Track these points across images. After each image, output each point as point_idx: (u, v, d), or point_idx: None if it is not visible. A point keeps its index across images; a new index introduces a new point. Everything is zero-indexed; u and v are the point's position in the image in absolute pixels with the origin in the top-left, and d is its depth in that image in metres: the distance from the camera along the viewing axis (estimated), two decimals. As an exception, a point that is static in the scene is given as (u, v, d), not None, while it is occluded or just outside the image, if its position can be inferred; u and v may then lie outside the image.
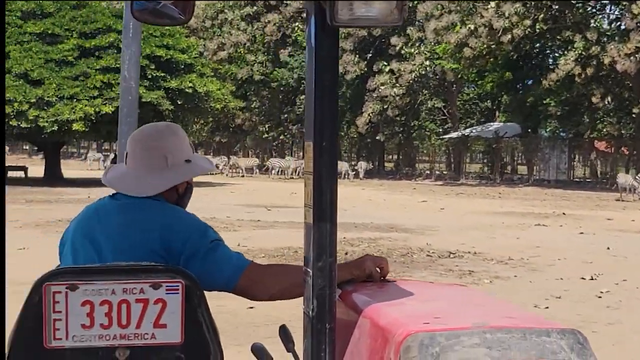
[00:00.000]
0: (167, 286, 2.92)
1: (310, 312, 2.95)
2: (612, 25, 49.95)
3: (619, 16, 48.76)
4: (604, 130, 54.75)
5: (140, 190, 3.47)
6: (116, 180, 3.55)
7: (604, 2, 50.68)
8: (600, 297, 13.03)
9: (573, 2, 48.15)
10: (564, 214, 29.88)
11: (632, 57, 43.75)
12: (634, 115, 50.52)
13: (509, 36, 46.66)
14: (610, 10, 51.58)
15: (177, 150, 3.56)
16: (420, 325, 2.90)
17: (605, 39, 45.83)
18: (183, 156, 3.56)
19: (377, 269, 3.59)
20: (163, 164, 3.49)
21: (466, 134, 61.29)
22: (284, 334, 3.46)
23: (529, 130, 59.48)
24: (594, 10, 50.88)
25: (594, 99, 48.34)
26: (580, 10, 49.42)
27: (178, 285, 2.93)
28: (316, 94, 2.89)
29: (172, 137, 3.58)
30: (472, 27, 46.73)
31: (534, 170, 57.41)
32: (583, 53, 45.88)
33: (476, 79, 64.03)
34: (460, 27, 47.28)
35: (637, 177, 40.82)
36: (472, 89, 71.16)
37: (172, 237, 3.33)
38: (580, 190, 47.58)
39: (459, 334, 2.84)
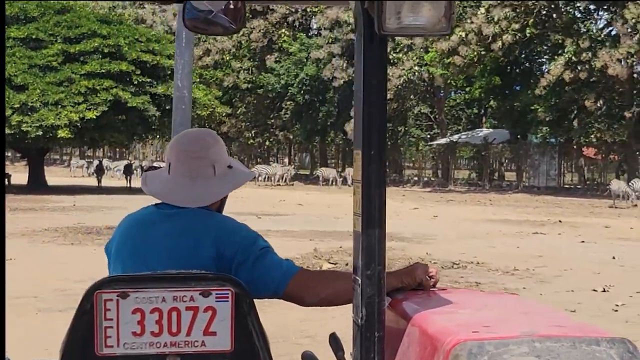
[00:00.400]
0: (216, 294, 2.95)
1: (359, 321, 2.96)
2: (603, 30, 49.63)
3: (609, 21, 48.46)
4: (593, 136, 54.41)
5: (192, 202, 3.42)
6: (162, 191, 3.48)
7: (592, 6, 50.29)
8: (616, 310, 12.54)
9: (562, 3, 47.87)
10: (560, 221, 29.42)
11: (623, 62, 43.53)
12: (624, 122, 50.18)
13: (499, 43, 46.29)
14: (599, 15, 51.31)
15: (222, 157, 3.53)
16: (469, 333, 2.90)
17: (595, 44, 45.50)
18: (226, 163, 3.54)
19: (428, 277, 3.59)
20: (210, 173, 3.46)
21: (454, 140, 60.86)
22: (334, 341, 3.46)
23: (518, 136, 59.13)
24: (583, 14, 50.62)
25: (587, 103, 47.99)
26: (570, 15, 49.15)
27: (228, 293, 2.96)
28: (364, 103, 2.92)
29: (216, 145, 3.53)
30: (463, 34, 46.32)
31: (523, 177, 56.95)
32: (573, 58, 45.57)
33: (464, 85, 63.65)
34: (451, 34, 46.78)
35: (630, 184, 40.50)
36: (459, 95, 70.76)
37: (225, 245, 3.32)
38: (571, 197, 47.21)
39: (507, 343, 2.84)
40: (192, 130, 3.73)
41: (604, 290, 14.32)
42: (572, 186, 55.82)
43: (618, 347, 2.85)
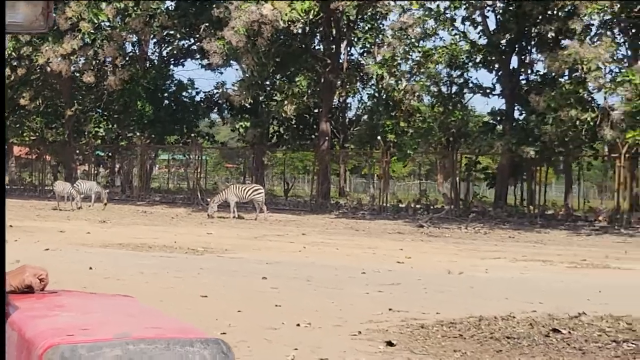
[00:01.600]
0: None
1: None
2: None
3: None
4: (26, 135, 52.78)
5: None
6: None
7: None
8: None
9: None
10: (11, 226, 27.22)
11: (67, 59, 42.52)
12: (63, 121, 49.19)
13: None
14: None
15: None
16: (63, 337, 2.87)
17: (37, 40, 43.98)
18: None
19: (37, 280, 3.55)
20: None
21: None
22: None
23: None
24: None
25: (23, 102, 46.25)
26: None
27: None
28: None
29: None
30: None
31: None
32: (13, 53, 43.56)
33: None
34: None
35: (75, 185, 39.41)
36: None
37: None
38: (9, 198, 44.79)
39: (101, 346, 2.82)
40: None
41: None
42: (7, 187, 53.38)
43: (212, 348, 2.92)
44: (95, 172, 53.03)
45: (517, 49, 40.28)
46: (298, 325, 11.82)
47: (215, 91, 50.59)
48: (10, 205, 38.49)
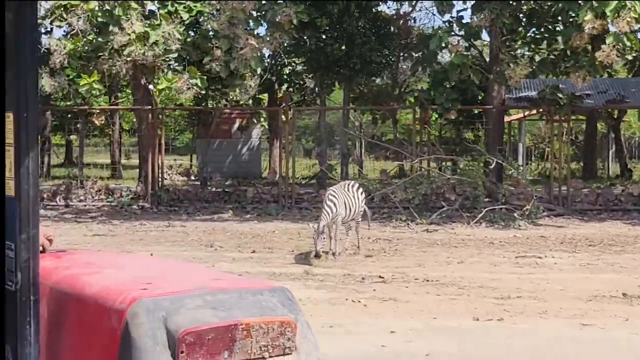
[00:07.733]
0: None
1: (14, 286, 2.89)
2: None
3: None
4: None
5: None
6: None
7: None
8: None
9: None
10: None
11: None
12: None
13: None
14: None
15: None
16: (139, 291, 3.02)
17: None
18: None
19: (47, 240, 3.79)
20: None
21: None
22: None
23: None
24: None
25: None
26: None
27: None
28: (19, 65, 2.85)
29: None
30: None
31: None
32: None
33: None
34: None
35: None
36: None
37: None
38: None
39: (182, 298, 2.99)
40: None
41: None
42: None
43: (279, 295, 3.17)
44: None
45: None
46: None
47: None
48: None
